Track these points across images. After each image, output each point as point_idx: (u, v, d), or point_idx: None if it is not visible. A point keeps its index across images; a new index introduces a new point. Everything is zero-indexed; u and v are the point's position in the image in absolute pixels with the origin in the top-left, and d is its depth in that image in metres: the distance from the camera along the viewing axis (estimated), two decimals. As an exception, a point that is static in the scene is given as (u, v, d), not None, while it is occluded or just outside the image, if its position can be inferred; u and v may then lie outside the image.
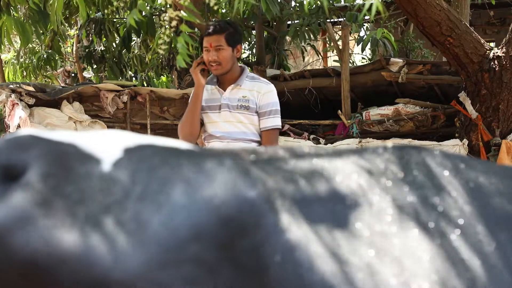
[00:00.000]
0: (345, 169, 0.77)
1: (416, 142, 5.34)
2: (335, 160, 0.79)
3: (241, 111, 2.86)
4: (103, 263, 0.61)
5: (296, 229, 0.67)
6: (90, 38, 8.24)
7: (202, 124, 2.96)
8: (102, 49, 8.18)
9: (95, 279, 0.61)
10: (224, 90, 2.90)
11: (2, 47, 5.36)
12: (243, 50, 9.96)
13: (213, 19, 7.59)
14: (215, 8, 6.94)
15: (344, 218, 0.72)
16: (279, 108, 2.93)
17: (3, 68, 8.76)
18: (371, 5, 1.54)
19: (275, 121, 2.91)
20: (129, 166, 0.68)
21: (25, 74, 8.36)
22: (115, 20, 7.80)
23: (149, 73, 8.97)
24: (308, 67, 9.29)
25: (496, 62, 5.03)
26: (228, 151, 0.77)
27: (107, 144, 0.71)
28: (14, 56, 8.96)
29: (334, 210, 0.72)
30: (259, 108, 2.88)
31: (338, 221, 0.71)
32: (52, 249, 0.61)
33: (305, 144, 5.69)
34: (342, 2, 7.97)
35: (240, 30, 3.06)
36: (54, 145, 0.69)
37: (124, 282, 0.61)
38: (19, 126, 5.82)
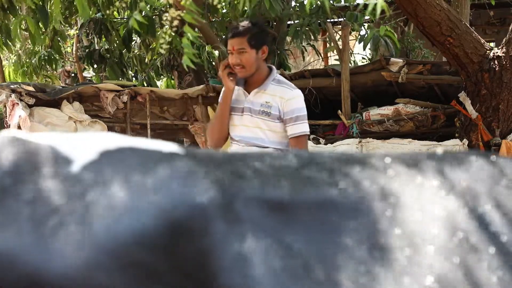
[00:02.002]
0: (356, 174, 0.71)
1: (416, 142, 5.34)
2: (348, 163, 0.73)
3: (261, 117, 2.77)
4: (34, 262, 0.62)
5: (253, 241, 0.64)
6: (90, 38, 8.24)
7: None
8: (102, 48, 8.18)
9: (25, 279, 0.62)
10: (249, 93, 2.82)
11: (11, 48, 5.36)
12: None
13: (213, 19, 7.60)
14: (218, 6, 6.93)
15: (337, 229, 0.66)
16: (305, 114, 2.82)
17: (3, 68, 8.76)
18: (375, 5, 1.54)
19: (301, 128, 2.80)
20: (97, 168, 0.69)
21: (26, 70, 8.36)
22: (115, 20, 7.80)
23: (149, 74, 8.97)
24: (308, 67, 9.29)
25: (496, 62, 5.03)
26: (211, 153, 0.76)
27: (87, 146, 0.72)
28: (15, 56, 8.96)
29: (326, 219, 0.67)
30: (284, 115, 2.77)
31: (328, 231, 0.66)
32: None
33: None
34: (342, 2, 7.97)
35: (266, 29, 2.92)
36: (29, 147, 0.71)
37: (55, 283, 0.61)
38: (19, 125, 5.82)
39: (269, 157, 0.74)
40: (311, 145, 5.69)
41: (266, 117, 2.78)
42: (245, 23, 2.80)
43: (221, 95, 2.86)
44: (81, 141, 0.74)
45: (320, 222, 0.67)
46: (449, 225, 0.68)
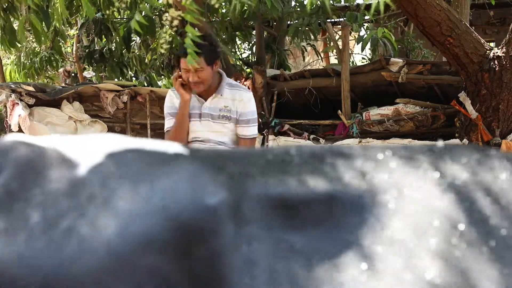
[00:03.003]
0: (358, 168, 0.71)
1: (416, 142, 5.35)
2: (349, 157, 0.73)
3: (222, 121, 2.86)
4: (46, 268, 0.61)
5: (259, 242, 0.64)
6: (90, 38, 8.24)
7: None
8: (105, 48, 8.18)
9: (37, 284, 0.60)
10: (205, 99, 2.88)
11: (18, 47, 5.35)
12: (243, 50, 9.98)
13: (213, 19, 7.60)
14: (216, 6, 6.94)
15: (340, 225, 0.67)
16: (256, 117, 2.97)
17: (3, 68, 8.77)
18: (377, 3, 1.54)
19: (254, 130, 2.94)
20: (104, 171, 0.68)
21: (28, 74, 8.37)
22: (115, 20, 7.80)
23: (150, 74, 8.97)
24: (308, 67, 9.29)
25: (496, 62, 5.03)
26: (215, 153, 0.75)
27: (92, 149, 0.71)
28: (15, 57, 8.96)
29: (328, 216, 0.67)
30: (240, 115, 2.88)
31: (330, 228, 0.66)
32: None
33: (305, 144, 5.69)
34: (342, 2, 7.97)
35: (217, 43, 3.01)
36: (33, 150, 0.70)
37: None
38: (19, 125, 5.83)
39: (271, 154, 0.74)
40: (311, 145, 5.69)
41: (226, 121, 2.87)
42: (197, 43, 2.82)
43: (178, 106, 2.87)
44: (85, 144, 0.73)
45: (323, 218, 0.67)
46: (450, 218, 0.68)
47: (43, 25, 4.70)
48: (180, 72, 2.84)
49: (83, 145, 0.73)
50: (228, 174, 0.69)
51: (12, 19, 4.71)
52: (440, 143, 0.78)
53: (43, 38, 4.62)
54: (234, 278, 0.62)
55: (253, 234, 0.64)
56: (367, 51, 8.02)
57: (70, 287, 0.61)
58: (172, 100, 2.93)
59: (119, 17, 8.01)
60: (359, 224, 0.66)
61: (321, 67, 8.59)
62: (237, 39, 8.59)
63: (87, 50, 8.28)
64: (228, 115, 2.86)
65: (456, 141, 5.22)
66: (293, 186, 0.68)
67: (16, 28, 4.63)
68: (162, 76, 9.28)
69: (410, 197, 0.69)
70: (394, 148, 0.76)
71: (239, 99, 2.88)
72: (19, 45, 5.59)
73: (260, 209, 0.66)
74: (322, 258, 0.64)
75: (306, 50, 8.31)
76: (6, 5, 4.57)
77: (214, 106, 2.86)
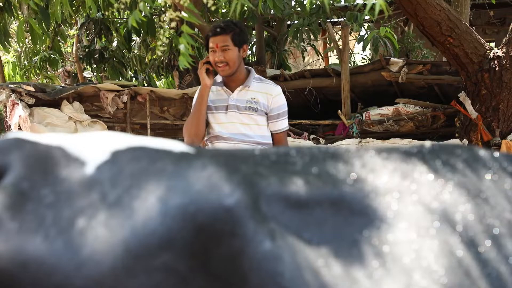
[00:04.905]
0: (358, 170, 0.73)
1: (416, 142, 5.34)
2: (349, 159, 0.75)
3: (248, 113, 2.87)
4: (65, 268, 0.60)
5: (281, 238, 0.64)
6: (90, 38, 8.24)
7: (207, 124, 2.95)
8: (107, 49, 8.18)
9: (56, 285, 0.60)
10: (232, 91, 2.89)
11: (8, 47, 5.35)
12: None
13: (213, 19, 7.60)
14: (214, 8, 6.93)
15: (349, 224, 0.68)
16: (286, 109, 2.97)
17: (3, 68, 8.77)
18: (373, 4, 1.54)
19: (284, 123, 2.96)
20: (113, 169, 0.67)
21: (27, 74, 8.37)
22: (115, 20, 7.81)
23: (149, 74, 8.98)
24: (308, 67, 9.29)
25: (496, 62, 5.03)
26: (223, 153, 0.75)
27: (97, 147, 0.70)
28: (14, 56, 8.97)
29: (338, 215, 0.69)
30: (270, 110, 2.90)
31: (340, 227, 0.68)
32: (14, 253, 0.60)
33: (306, 144, 5.69)
34: (342, 2, 7.97)
35: (246, 29, 3.03)
36: (39, 148, 0.69)
37: None
38: (19, 125, 5.82)
39: (274, 155, 0.75)
40: (311, 145, 5.70)
41: (253, 113, 2.87)
42: (226, 22, 2.88)
43: (197, 92, 2.91)
44: (90, 141, 0.72)
45: (333, 218, 0.68)
46: (448, 219, 0.70)
47: (43, 25, 4.70)
48: (208, 58, 2.85)
49: (86, 143, 0.72)
50: (242, 174, 0.68)
51: (12, 19, 4.71)
52: (428, 143, 0.81)
53: (39, 41, 4.62)
54: (255, 275, 0.62)
55: (273, 232, 0.64)
56: (367, 51, 8.02)
57: (88, 287, 0.61)
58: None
59: (119, 17, 8.01)
60: (366, 224, 0.68)
61: (321, 67, 8.59)
62: (237, 39, 8.57)
63: (87, 50, 8.28)
64: (255, 107, 2.87)
65: (456, 141, 5.22)
66: (303, 186, 0.69)
67: (12, 28, 4.63)
68: (162, 76, 9.29)
69: (410, 199, 0.71)
70: (388, 150, 0.78)
71: (267, 92, 2.90)
72: (13, 46, 5.58)
73: (276, 208, 0.67)
74: (337, 255, 0.65)
75: (306, 50, 8.31)
76: (2, 4, 4.57)
77: (241, 98, 2.88)
